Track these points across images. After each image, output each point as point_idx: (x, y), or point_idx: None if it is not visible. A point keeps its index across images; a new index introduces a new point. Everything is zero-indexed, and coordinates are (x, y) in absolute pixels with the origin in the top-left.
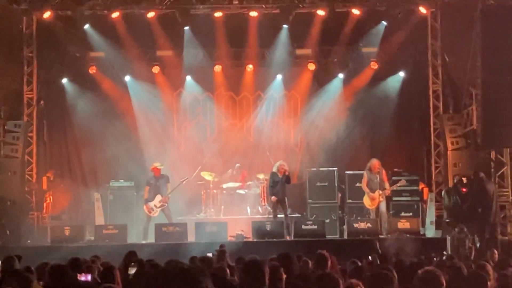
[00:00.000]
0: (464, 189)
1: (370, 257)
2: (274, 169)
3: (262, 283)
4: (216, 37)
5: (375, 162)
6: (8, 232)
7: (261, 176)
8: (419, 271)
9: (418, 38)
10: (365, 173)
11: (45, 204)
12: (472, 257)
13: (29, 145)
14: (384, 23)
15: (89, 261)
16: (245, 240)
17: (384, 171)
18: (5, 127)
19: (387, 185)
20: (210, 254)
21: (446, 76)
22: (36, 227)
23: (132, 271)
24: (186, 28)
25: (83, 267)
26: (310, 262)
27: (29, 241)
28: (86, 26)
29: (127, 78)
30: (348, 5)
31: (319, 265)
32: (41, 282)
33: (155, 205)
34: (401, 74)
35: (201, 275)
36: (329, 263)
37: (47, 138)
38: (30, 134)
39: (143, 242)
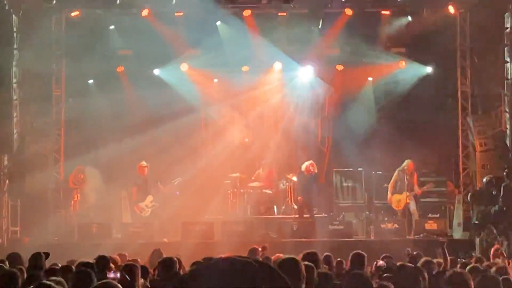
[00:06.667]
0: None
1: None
2: (302, 168)
3: (300, 282)
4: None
5: (410, 164)
6: (35, 228)
7: (288, 176)
8: (447, 273)
9: (446, 39)
10: (396, 173)
11: (72, 202)
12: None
13: (57, 142)
14: (411, 20)
15: (116, 259)
16: (271, 239)
17: (416, 174)
18: (34, 124)
19: (416, 187)
20: None
21: (475, 77)
22: (64, 224)
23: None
24: (218, 23)
25: (111, 265)
26: (344, 262)
27: (56, 238)
28: (115, 25)
29: (156, 72)
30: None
31: (355, 264)
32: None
33: (146, 205)
34: (428, 69)
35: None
36: (365, 262)
37: (75, 136)
38: (58, 132)
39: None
